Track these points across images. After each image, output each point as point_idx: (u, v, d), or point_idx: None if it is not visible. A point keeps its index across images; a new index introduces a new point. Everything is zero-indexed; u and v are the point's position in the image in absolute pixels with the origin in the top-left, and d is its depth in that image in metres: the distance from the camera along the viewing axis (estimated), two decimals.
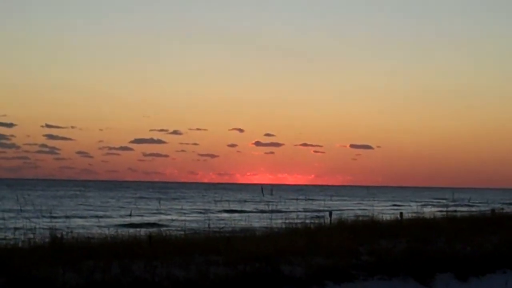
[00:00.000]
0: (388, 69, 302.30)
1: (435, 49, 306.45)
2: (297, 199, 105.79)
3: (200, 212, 72.18)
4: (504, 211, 41.15)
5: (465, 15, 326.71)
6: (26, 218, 20.34)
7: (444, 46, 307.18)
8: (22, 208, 21.88)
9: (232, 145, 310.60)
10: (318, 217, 30.74)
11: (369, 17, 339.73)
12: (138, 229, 22.87)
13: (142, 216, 65.94)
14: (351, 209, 77.11)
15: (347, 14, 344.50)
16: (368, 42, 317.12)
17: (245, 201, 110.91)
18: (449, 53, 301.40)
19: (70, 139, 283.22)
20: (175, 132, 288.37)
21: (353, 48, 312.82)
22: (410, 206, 79.16)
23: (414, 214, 35.97)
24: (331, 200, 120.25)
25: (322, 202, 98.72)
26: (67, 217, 52.82)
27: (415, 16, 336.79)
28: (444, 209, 44.36)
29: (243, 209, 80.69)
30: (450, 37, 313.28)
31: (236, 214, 64.97)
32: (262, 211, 69.23)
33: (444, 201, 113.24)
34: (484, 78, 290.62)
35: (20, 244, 18.11)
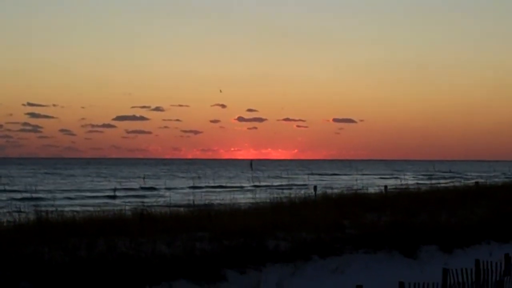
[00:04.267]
0: (371, 43, 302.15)
1: (419, 23, 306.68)
2: (281, 174, 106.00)
3: (185, 189, 72.24)
4: (488, 183, 41.38)
5: None
6: (10, 197, 20.27)
7: (431, 20, 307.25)
8: (6, 188, 21.82)
9: (215, 121, 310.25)
10: (302, 191, 30.81)
11: None
12: (123, 207, 22.82)
13: (126, 193, 65.97)
14: (335, 183, 77.29)
15: None
16: (349, 16, 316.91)
17: (229, 176, 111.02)
18: (434, 27, 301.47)
19: (52, 117, 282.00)
20: (157, 109, 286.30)
21: (334, 22, 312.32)
22: (394, 179, 79.44)
23: (398, 187, 36.17)
24: (315, 174, 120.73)
25: (307, 176, 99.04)
26: (51, 195, 52.67)
27: None
28: (428, 181, 44.63)
29: (227, 184, 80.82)
30: (435, 12, 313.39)
31: (220, 190, 65.21)
32: (247, 187, 69.51)
33: (428, 173, 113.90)
34: (469, 53, 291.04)
35: (5, 223, 18.05)
